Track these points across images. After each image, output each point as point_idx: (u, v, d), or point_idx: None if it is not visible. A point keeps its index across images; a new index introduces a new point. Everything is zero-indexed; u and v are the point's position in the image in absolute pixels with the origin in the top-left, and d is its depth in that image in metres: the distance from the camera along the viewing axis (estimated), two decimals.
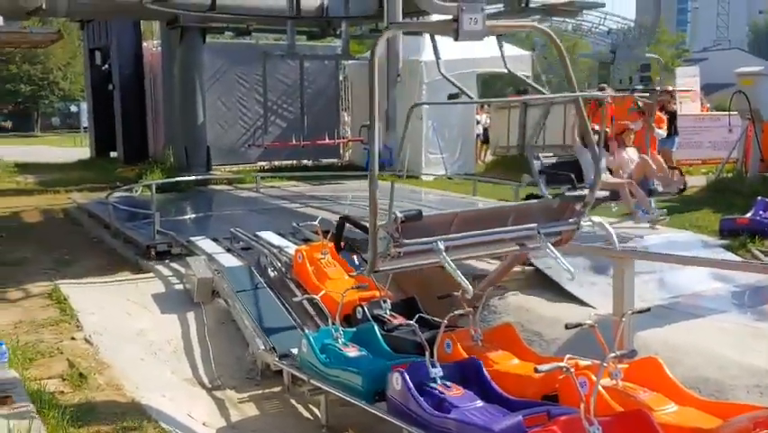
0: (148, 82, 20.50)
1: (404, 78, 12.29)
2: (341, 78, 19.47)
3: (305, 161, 17.81)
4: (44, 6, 12.09)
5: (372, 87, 4.31)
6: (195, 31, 15.78)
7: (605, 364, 4.01)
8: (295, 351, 6.04)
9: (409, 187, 15.06)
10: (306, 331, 6.16)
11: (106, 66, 21.72)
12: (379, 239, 4.55)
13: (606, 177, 8.67)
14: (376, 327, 5.87)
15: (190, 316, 7.42)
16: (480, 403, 4.45)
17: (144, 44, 20.98)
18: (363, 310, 6.38)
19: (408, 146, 16.34)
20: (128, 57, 20.57)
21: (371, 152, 4.60)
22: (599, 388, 3.88)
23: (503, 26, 6.37)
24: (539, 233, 5.04)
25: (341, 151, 19.37)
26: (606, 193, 7.14)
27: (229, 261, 8.02)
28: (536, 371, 3.95)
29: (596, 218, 5.46)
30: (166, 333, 7.13)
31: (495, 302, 7.43)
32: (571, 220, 5.25)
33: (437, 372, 4.63)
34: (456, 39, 4.58)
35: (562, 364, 3.94)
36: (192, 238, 8.93)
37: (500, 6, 12.28)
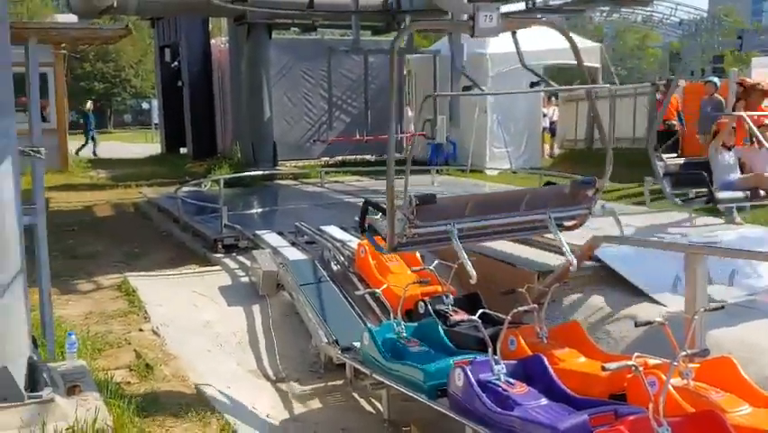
0: (216, 79, 20.83)
1: (468, 72, 12.14)
2: (404, 72, 19.40)
3: (368, 156, 17.83)
4: (115, 5, 12.39)
5: (392, 80, 4.76)
6: (261, 27, 15.94)
7: (675, 363, 3.87)
8: (357, 344, 6.04)
9: (472, 181, 14.94)
10: (369, 325, 6.15)
11: (176, 63, 22.16)
12: (397, 220, 4.90)
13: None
14: (438, 323, 5.82)
15: (255, 308, 7.50)
16: (544, 401, 4.34)
17: (212, 41, 21.34)
18: (425, 305, 6.33)
19: (472, 140, 16.23)
20: (197, 54, 20.93)
21: (389, 144, 5.02)
22: (669, 387, 3.75)
23: (517, 23, 7.15)
24: (550, 217, 5.32)
25: (404, 145, 19.31)
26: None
27: (293, 254, 8.07)
28: (604, 369, 3.83)
29: (608, 205, 6.47)
30: (232, 325, 7.22)
31: (561, 299, 7.29)
32: (582, 205, 5.53)
33: (500, 368, 4.55)
34: (472, 35, 4.86)
35: (630, 363, 3.81)
36: (258, 232, 9.03)
37: None
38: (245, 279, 8.06)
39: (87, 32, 6.59)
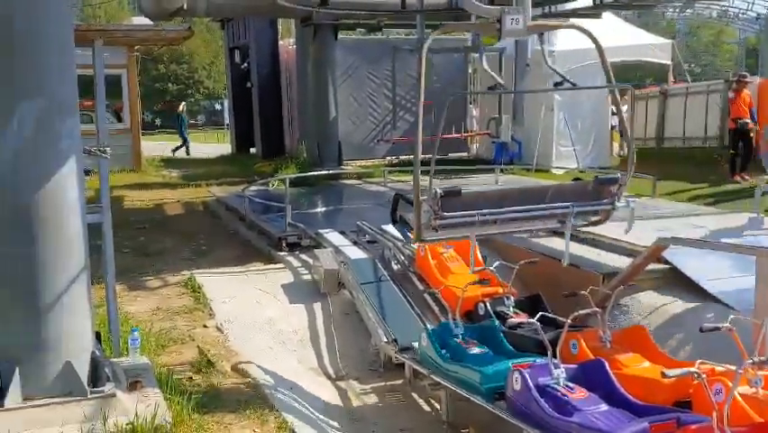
0: (284, 80, 21.10)
1: (532, 69, 11.97)
2: (470, 71, 19.29)
3: (432, 156, 17.76)
4: (185, 7, 12.69)
5: (420, 80, 5.09)
6: (327, 28, 16.08)
7: (740, 370, 3.72)
8: (416, 344, 6.02)
9: (539, 180, 14.72)
10: (427, 325, 6.12)
11: (245, 64, 22.56)
12: (423, 212, 5.27)
13: None
14: (497, 324, 5.74)
15: (317, 306, 7.55)
16: (604, 407, 4.24)
17: (281, 42, 21.62)
18: (485, 306, 6.26)
19: (539, 139, 16.00)
20: (265, 55, 21.26)
21: (415, 142, 5.30)
22: (735, 395, 3.60)
23: (543, 26, 7.48)
24: (572, 210, 5.61)
25: (468, 144, 19.21)
26: None
27: (355, 253, 8.11)
28: (664, 376, 3.70)
29: (632, 200, 6.85)
30: (294, 322, 7.29)
31: (627, 302, 7.10)
32: (605, 200, 5.80)
33: (560, 372, 4.46)
34: (499, 38, 5.37)
35: (692, 370, 3.68)
36: (320, 230, 9.10)
37: None
38: (308, 277, 8.12)
39: (152, 33, 6.79)
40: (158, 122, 54.70)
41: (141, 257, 9.47)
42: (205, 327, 6.80)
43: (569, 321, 4.80)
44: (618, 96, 6.53)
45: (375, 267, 7.62)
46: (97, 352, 4.14)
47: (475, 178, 14.71)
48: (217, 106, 53.22)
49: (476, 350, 5.46)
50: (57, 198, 3.86)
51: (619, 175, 5.96)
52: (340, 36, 17.15)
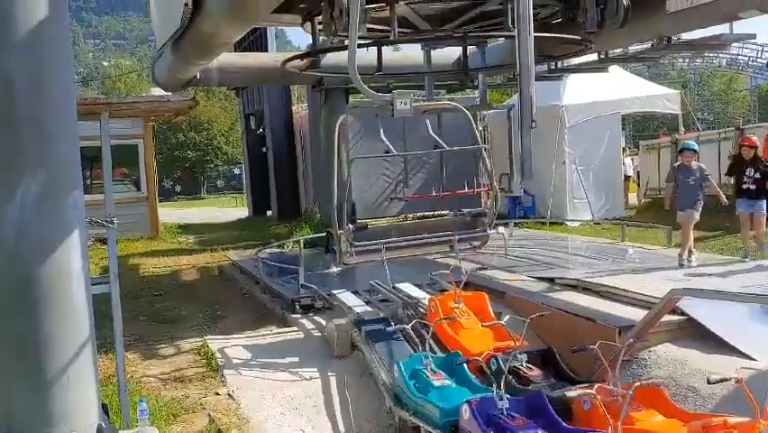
0: (298, 143, 21.41)
1: (541, 124, 12.02)
2: (480, 127, 19.43)
3: (446, 212, 17.79)
4: (198, 77, 12.98)
5: (330, 151, 7.61)
6: (338, 92, 16.33)
7: (746, 420, 3.64)
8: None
9: (552, 234, 14.68)
10: (399, 360, 6.50)
11: (261, 130, 22.96)
12: (342, 242, 7.76)
13: None
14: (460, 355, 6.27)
15: (330, 369, 7.50)
16: (539, 431, 4.76)
17: (294, 108, 22.01)
18: (497, 362, 6.19)
19: (551, 192, 16.02)
20: (279, 120, 21.64)
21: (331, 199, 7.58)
22: None
23: (426, 106, 9.86)
24: (455, 237, 8.25)
25: (481, 200, 19.25)
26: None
27: (367, 313, 8.07)
28: None
29: (501, 229, 9.39)
30: (307, 387, 7.23)
31: (645, 355, 6.99)
32: (479, 230, 8.63)
33: (503, 404, 5.01)
34: (392, 115, 7.17)
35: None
36: (334, 291, 9.09)
37: (644, 45, 11.85)
38: (321, 339, 8.10)
39: (156, 104, 7.01)
40: (177, 189, 55.43)
41: (156, 324, 9.51)
42: (217, 394, 6.76)
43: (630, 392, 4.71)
44: (487, 156, 9.15)
45: (388, 326, 7.56)
46: (104, 424, 4.11)
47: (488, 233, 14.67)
48: (236, 171, 53.99)
49: (440, 382, 5.88)
50: (62, 269, 3.89)
51: (486, 210, 8.55)
52: (351, 99, 17.39)
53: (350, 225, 7.79)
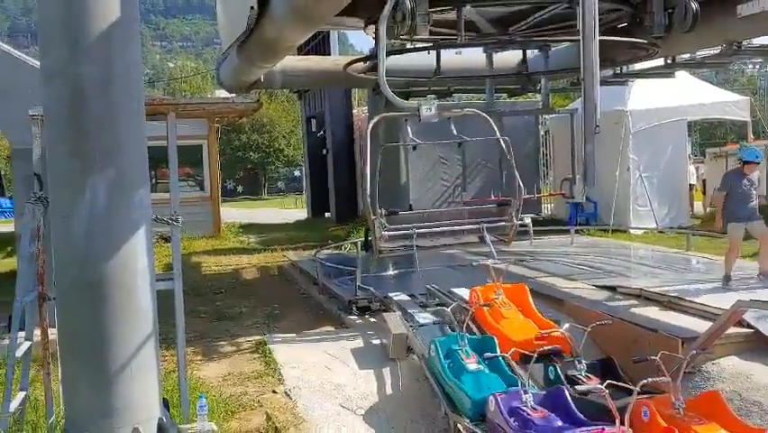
0: (357, 146, 21.55)
1: (604, 129, 11.82)
2: (542, 132, 19.25)
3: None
4: (262, 79, 13.19)
5: (365, 153, 8.61)
6: (399, 95, 16.36)
7: None
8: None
9: (616, 242, 14.42)
10: (437, 338, 6.82)
11: (321, 132, 23.19)
12: (376, 227, 8.36)
13: None
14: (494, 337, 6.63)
15: (386, 372, 7.50)
16: (558, 423, 5.11)
17: (354, 111, 22.17)
18: (555, 370, 6.13)
19: (615, 198, 15.74)
20: (340, 123, 21.82)
21: (363, 187, 8.46)
22: None
23: (450, 113, 10.60)
24: (483, 227, 8.88)
25: (541, 205, 19.09)
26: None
27: (423, 317, 8.06)
28: None
29: (526, 219, 9.49)
30: (363, 388, 7.25)
31: (708, 367, 6.84)
32: (505, 218, 9.12)
33: (528, 397, 5.37)
34: (419, 120, 7.76)
35: None
36: (390, 294, 9.11)
37: (713, 50, 11.55)
38: (377, 341, 8.12)
39: (222, 105, 7.15)
40: (239, 189, 56.30)
41: (216, 321, 9.68)
42: (274, 392, 6.84)
43: (637, 389, 4.75)
44: (509, 148, 9.33)
45: (443, 331, 7.55)
46: (165, 418, 4.20)
47: (549, 239, 14.52)
48: (296, 173, 54.56)
49: (473, 366, 6.22)
50: (128, 267, 3.99)
51: (512, 199, 9.20)
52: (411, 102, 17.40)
53: (382, 210, 8.42)
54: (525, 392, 5.41)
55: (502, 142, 9.37)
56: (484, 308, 7.30)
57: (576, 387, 5.81)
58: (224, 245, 18.00)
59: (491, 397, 5.48)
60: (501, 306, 7.39)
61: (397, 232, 8.68)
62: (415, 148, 14.71)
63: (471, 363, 6.27)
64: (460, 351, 6.45)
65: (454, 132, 11.45)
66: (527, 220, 9.51)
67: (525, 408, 5.30)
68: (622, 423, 4.58)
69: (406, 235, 8.80)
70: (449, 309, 7.75)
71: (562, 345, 6.55)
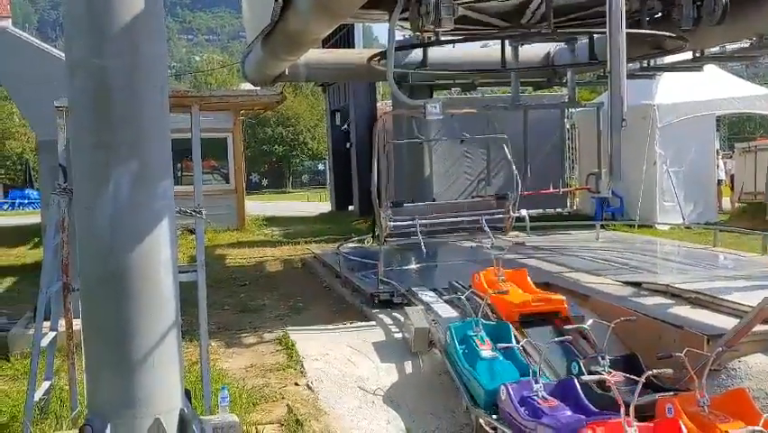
0: (381, 139, 21.53)
1: (631, 124, 11.70)
2: (567, 126, 19.10)
3: (528, 211, 17.55)
4: (286, 72, 13.22)
5: (374, 148, 9.58)
6: (423, 88, 16.33)
7: None
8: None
9: (642, 237, 14.28)
10: (452, 324, 6.97)
11: (345, 126, 23.20)
12: (383, 217, 9.24)
13: None
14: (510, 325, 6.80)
15: (408, 365, 7.49)
16: (568, 412, 5.27)
17: (378, 104, 22.15)
18: (578, 366, 6.09)
19: (641, 193, 15.58)
20: (364, 116, 21.79)
21: (372, 181, 9.34)
22: None
23: (454, 111, 12.22)
24: (482, 219, 9.49)
25: (567, 200, 18.95)
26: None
27: (445, 311, 8.03)
28: None
29: (523, 211, 10.17)
30: (384, 381, 7.25)
31: (735, 365, 6.75)
32: (503, 211, 9.88)
33: (539, 387, 5.53)
34: (424, 117, 7.85)
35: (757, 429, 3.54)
36: (412, 288, 9.10)
37: (743, 44, 11.38)
38: (399, 335, 8.11)
39: (246, 99, 7.20)
40: (264, 182, 56.62)
41: (240, 314, 9.73)
42: (296, 384, 6.85)
43: (642, 380, 4.86)
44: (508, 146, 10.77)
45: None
46: (186, 409, 4.22)
47: (574, 234, 14.41)
48: (320, 167, 54.79)
49: (487, 353, 6.37)
50: (151, 258, 4.01)
51: (509, 193, 10.13)
52: (435, 95, 17.36)
53: (388, 202, 9.57)
54: (536, 382, 5.58)
55: (504, 141, 10.82)
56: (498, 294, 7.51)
57: (582, 377, 5.80)
58: (248, 238, 18.10)
59: (503, 387, 5.67)
60: (503, 285, 7.76)
61: (402, 222, 9.61)
62: (421, 143, 15.29)
63: (486, 350, 6.43)
64: (475, 337, 6.60)
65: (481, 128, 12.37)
66: (524, 213, 10.26)
67: (535, 397, 5.47)
68: (627, 413, 4.62)
69: (410, 225, 9.67)
70: (464, 297, 7.90)
71: (560, 306, 7.22)
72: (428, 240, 10.13)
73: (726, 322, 7.14)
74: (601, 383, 5.91)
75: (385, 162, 20.99)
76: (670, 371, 5.10)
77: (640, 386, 4.83)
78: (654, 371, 4.98)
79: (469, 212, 10.11)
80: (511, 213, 9.79)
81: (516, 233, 11.70)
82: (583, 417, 5.14)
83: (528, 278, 8.16)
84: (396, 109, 13.95)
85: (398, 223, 9.50)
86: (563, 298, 7.43)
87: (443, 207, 11.25)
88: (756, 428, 3.94)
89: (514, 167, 10.28)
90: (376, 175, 9.25)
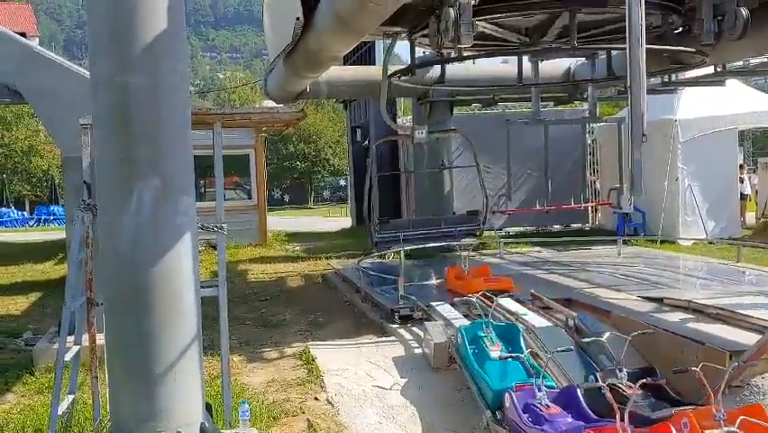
0: (401, 155, 21.60)
1: (653, 139, 11.67)
2: (589, 141, 19.05)
3: (552, 227, 17.53)
4: (308, 89, 13.35)
5: (369, 170, 13.43)
6: (443, 104, 16.39)
7: None
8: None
9: (664, 252, 14.17)
10: (462, 326, 7.34)
11: (366, 142, 23.31)
12: (373, 230, 12.86)
13: None
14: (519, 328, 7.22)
15: (428, 381, 7.49)
16: (569, 420, 5.40)
17: (399, 120, 22.23)
18: (595, 378, 6.09)
19: (663, 209, 15.49)
20: (384, 132, 21.80)
21: (371, 202, 12.64)
22: None
23: (439, 134, 14.50)
24: (456, 229, 12.80)
25: (588, 215, 18.88)
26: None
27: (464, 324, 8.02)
28: None
29: (495, 224, 15.33)
30: (404, 397, 7.24)
31: (758, 381, 6.66)
32: (474, 224, 13.36)
33: (542, 395, 5.65)
34: (412, 141, 12.12)
35: None
36: (432, 303, 9.10)
37: (765, 58, 11.32)
38: (419, 350, 8.11)
39: (267, 116, 7.30)
40: (286, 198, 56.88)
41: (261, 328, 9.78)
42: (316, 399, 6.88)
43: (636, 387, 5.24)
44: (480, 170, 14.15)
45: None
46: (207, 423, 4.27)
47: (596, 250, 14.35)
48: (342, 182, 54.98)
49: (497, 354, 6.57)
50: (172, 273, 4.08)
51: (479, 209, 13.34)
52: (455, 111, 17.40)
53: (375, 219, 12.77)
54: (540, 390, 5.73)
55: (477, 167, 14.68)
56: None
57: (582, 384, 5.93)
58: (269, 253, 18.18)
59: (507, 394, 5.83)
60: (471, 276, 10.16)
61: (388, 235, 12.94)
62: (407, 174, 17.42)
63: (495, 351, 6.65)
64: (485, 338, 6.88)
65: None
66: (495, 225, 13.37)
67: (538, 405, 5.62)
68: (621, 419, 4.74)
69: (395, 237, 12.74)
70: (474, 299, 8.32)
71: (507, 285, 9.53)
72: (412, 247, 12.87)
73: (749, 338, 7.09)
74: (612, 391, 5.91)
75: (405, 178, 21.16)
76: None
77: (638, 386, 5.16)
78: (649, 379, 5.41)
79: (445, 226, 13.57)
80: (481, 226, 13.47)
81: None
82: (582, 423, 5.31)
83: (489, 272, 10.59)
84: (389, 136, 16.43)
85: (384, 235, 13.06)
86: (510, 280, 9.91)
87: (422, 221, 14.36)
88: None
89: (486, 191, 14.07)
90: (369, 195, 11.99)
